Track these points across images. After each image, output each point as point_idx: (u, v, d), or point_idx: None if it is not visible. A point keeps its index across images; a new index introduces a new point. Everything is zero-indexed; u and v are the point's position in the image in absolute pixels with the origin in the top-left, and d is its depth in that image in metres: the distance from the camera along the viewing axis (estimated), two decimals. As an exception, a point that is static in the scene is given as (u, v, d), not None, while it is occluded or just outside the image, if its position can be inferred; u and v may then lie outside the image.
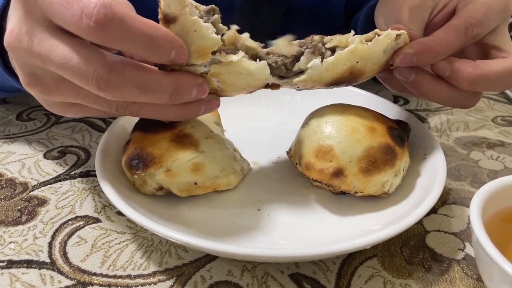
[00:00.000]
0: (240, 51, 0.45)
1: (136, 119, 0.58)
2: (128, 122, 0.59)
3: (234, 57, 0.44)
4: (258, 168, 0.58)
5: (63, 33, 0.40)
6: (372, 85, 0.85)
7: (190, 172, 0.50)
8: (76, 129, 0.69)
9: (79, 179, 0.58)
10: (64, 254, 0.46)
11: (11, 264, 0.45)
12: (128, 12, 0.38)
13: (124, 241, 0.48)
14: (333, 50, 0.48)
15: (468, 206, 0.54)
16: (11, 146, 0.64)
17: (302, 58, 0.48)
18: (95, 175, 0.53)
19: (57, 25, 0.40)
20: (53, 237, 0.49)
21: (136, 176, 0.50)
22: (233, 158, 0.54)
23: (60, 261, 0.46)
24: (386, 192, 0.50)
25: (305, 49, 0.48)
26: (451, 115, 0.75)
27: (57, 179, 0.58)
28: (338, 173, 0.49)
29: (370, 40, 0.47)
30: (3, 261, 0.45)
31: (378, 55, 0.48)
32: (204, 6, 0.44)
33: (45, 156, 0.62)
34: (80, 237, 0.49)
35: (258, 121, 0.69)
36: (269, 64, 0.47)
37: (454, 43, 0.49)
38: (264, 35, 0.49)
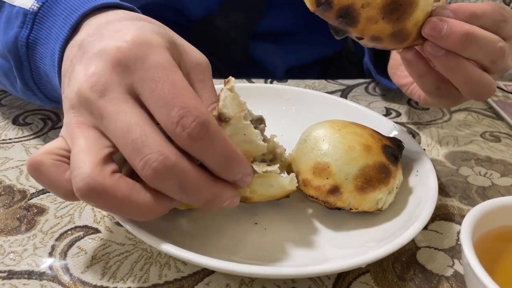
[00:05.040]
0: (276, 165, 0.47)
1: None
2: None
3: (269, 168, 0.47)
4: (255, 181, 0.59)
5: (140, 107, 0.40)
6: (365, 96, 0.87)
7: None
8: (73, 135, 0.69)
9: (78, 187, 0.58)
10: (65, 265, 0.47)
11: (12, 275, 0.46)
12: (218, 131, 0.39)
13: (123, 253, 0.49)
14: None
15: (457, 223, 0.56)
16: (8, 152, 0.65)
17: None
18: (93, 184, 0.54)
19: (138, 98, 0.40)
20: (53, 247, 0.49)
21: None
22: (231, 171, 0.55)
23: (60, 272, 0.46)
24: (379, 208, 0.52)
25: None
26: (441, 129, 0.77)
27: (56, 187, 0.58)
28: (334, 190, 0.50)
29: None
30: (3, 272, 0.46)
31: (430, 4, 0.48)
32: (255, 114, 0.47)
33: (42, 163, 0.63)
34: (80, 248, 0.49)
35: (254, 131, 0.70)
36: None
37: (488, 14, 0.49)
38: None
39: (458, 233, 0.55)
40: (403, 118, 0.80)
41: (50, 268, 0.47)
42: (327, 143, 0.52)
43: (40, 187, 0.58)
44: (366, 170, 0.51)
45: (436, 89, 0.54)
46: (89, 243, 0.50)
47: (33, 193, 0.57)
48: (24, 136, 0.68)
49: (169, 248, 0.43)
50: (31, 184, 0.58)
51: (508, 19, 0.50)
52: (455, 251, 0.52)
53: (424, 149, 0.70)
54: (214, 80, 0.86)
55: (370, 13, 0.46)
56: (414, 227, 0.46)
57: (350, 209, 0.51)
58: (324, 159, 0.51)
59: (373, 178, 0.51)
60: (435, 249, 0.52)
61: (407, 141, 0.61)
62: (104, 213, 0.54)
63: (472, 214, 0.44)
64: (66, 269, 0.47)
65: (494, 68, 0.51)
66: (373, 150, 0.52)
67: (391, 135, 0.62)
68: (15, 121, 0.72)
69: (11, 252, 0.48)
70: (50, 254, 0.48)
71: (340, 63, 1.04)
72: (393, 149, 0.54)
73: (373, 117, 0.68)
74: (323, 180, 0.51)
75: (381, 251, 0.43)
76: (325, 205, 0.52)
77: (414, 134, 0.75)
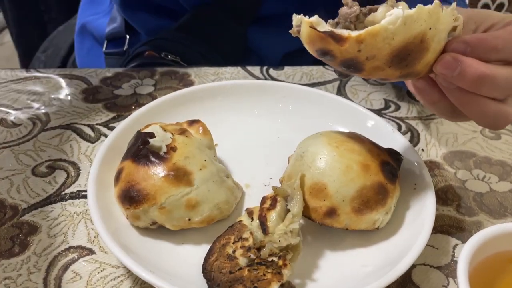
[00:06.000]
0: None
1: (127, 140, 0.57)
2: (118, 146, 0.58)
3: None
4: (251, 193, 0.58)
5: None
6: (364, 86, 0.84)
7: (184, 208, 0.50)
8: (63, 138, 0.67)
9: (70, 201, 0.58)
10: (60, 293, 0.47)
11: (7, 304, 0.46)
12: None
13: (118, 277, 0.49)
14: None
15: (453, 236, 0.56)
16: (-3, 159, 0.63)
17: (380, 7, 0.43)
18: (85, 196, 0.53)
19: None
20: (47, 272, 0.49)
21: (129, 211, 0.50)
22: (227, 188, 0.54)
23: (56, 301, 0.46)
24: (376, 228, 0.51)
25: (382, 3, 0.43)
26: (441, 124, 0.76)
27: (48, 201, 0.57)
28: (331, 212, 0.50)
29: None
30: (-1, 301, 0.46)
31: (443, 33, 0.44)
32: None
33: (33, 172, 0.61)
34: (74, 272, 0.49)
35: (250, 133, 0.68)
36: (337, 24, 0.43)
37: (510, 45, 0.45)
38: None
39: (454, 247, 0.55)
40: (402, 112, 0.78)
41: (46, 296, 0.47)
42: (324, 162, 0.51)
43: (32, 201, 0.57)
44: (364, 192, 0.50)
45: (451, 113, 0.51)
46: (84, 267, 0.50)
47: (25, 208, 0.56)
48: (13, 140, 0.67)
49: (161, 283, 0.42)
50: (23, 198, 0.57)
51: None
52: (450, 269, 0.52)
53: (423, 150, 0.70)
54: (208, 68, 0.84)
55: (375, 64, 0.43)
56: (409, 257, 0.46)
57: (347, 228, 0.51)
58: (321, 180, 0.50)
59: (370, 199, 0.50)
60: (431, 266, 0.52)
61: (406, 150, 0.60)
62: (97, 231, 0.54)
63: (469, 246, 0.44)
64: (62, 297, 0.47)
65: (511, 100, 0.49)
66: (371, 170, 0.51)
67: (390, 143, 0.60)
68: (2, 122, 0.70)
69: (6, 278, 0.48)
70: (45, 280, 0.48)
71: None
72: (392, 167, 0.53)
73: (371, 119, 0.66)
74: (319, 201, 0.50)
75: (376, 285, 0.43)
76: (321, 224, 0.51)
77: (413, 132, 0.73)
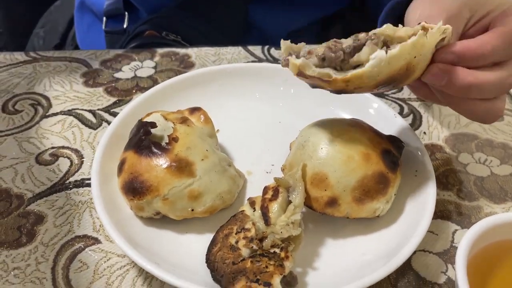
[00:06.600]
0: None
1: (128, 128, 0.57)
2: (120, 134, 0.58)
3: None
4: (253, 180, 0.59)
5: None
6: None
7: (187, 199, 0.50)
8: (65, 125, 0.67)
9: (75, 189, 0.58)
10: (68, 282, 0.48)
11: (17, 294, 0.47)
12: None
13: (124, 266, 0.50)
14: (386, 45, 0.45)
15: (453, 221, 0.57)
16: (1, 147, 0.63)
17: (364, 48, 0.44)
18: (89, 185, 0.54)
19: None
20: (55, 262, 0.50)
21: (133, 202, 0.51)
22: (229, 177, 0.54)
23: (64, 290, 0.48)
24: (377, 216, 0.52)
25: (366, 41, 0.45)
26: (443, 106, 0.75)
27: (52, 189, 0.58)
28: (332, 202, 0.50)
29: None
30: (9, 291, 0.48)
31: (430, 51, 0.46)
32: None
33: (37, 160, 0.62)
34: (81, 262, 0.50)
35: (251, 117, 0.68)
36: (323, 59, 0.45)
37: (498, 49, 0.46)
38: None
39: (454, 233, 0.55)
40: (405, 94, 0.77)
41: (54, 285, 0.48)
42: (325, 152, 0.51)
43: (37, 190, 0.58)
44: (365, 182, 0.50)
45: (445, 104, 0.51)
46: (90, 256, 0.51)
47: (30, 197, 0.57)
48: (16, 127, 0.67)
49: (166, 276, 0.44)
50: (28, 187, 0.58)
51: None
52: (449, 255, 0.53)
53: (425, 132, 0.70)
54: (208, 48, 0.83)
55: (363, 90, 0.47)
56: (409, 246, 0.47)
57: (347, 217, 0.51)
58: (322, 170, 0.51)
59: (371, 189, 0.50)
60: (430, 252, 0.53)
61: (408, 136, 0.60)
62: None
63: (470, 234, 0.44)
64: (70, 287, 0.48)
65: (502, 96, 0.49)
66: (372, 159, 0.51)
67: (392, 128, 0.60)
68: (4, 109, 0.70)
69: (15, 268, 0.49)
70: (53, 270, 0.49)
71: (350, 19, 0.99)
72: (393, 155, 0.53)
73: (374, 103, 0.66)
74: (321, 191, 0.50)
75: (377, 274, 0.44)
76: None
77: (415, 114, 0.73)
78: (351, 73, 0.44)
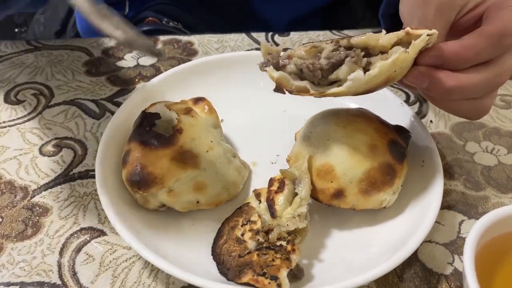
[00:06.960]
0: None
1: (132, 118, 0.57)
2: (123, 125, 0.58)
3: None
4: (258, 171, 0.58)
5: None
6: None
7: (192, 191, 0.50)
8: (68, 115, 0.67)
9: (79, 181, 0.58)
10: (74, 275, 0.48)
11: (24, 287, 0.47)
12: None
13: (130, 258, 0.50)
14: (367, 54, 0.45)
15: (459, 212, 0.56)
16: (4, 138, 0.63)
17: (343, 66, 0.44)
18: (93, 176, 0.53)
19: None
20: (61, 254, 0.50)
21: (138, 195, 0.50)
22: (234, 168, 0.54)
23: (71, 283, 0.48)
24: (383, 207, 0.52)
25: (345, 57, 0.44)
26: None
27: (57, 181, 0.58)
28: (338, 194, 0.50)
29: (401, 39, 0.44)
30: (16, 284, 0.48)
31: (412, 60, 0.45)
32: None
33: (40, 151, 0.61)
34: (87, 254, 0.50)
35: (256, 107, 0.67)
36: (301, 70, 0.45)
37: (484, 52, 0.45)
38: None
39: (460, 224, 0.55)
40: (411, 81, 0.76)
41: (60, 278, 0.48)
42: (332, 143, 0.51)
43: (41, 181, 0.58)
44: (371, 173, 0.50)
45: (430, 101, 0.51)
46: (96, 248, 0.51)
47: (35, 189, 0.57)
48: (19, 118, 0.66)
49: (173, 269, 0.44)
50: (32, 179, 0.58)
51: (509, 45, 0.45)
52: (456, 246, 0.52)
53: (431, 121, 0.69)
54: (211, 35, 0.82)
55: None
56: (416, 238, 0.46)
57: (354, 209, 0.51)
58: (328, 161, 0.50)
59: (378, 180, 0.50)
60: (436, 243, 0.53)
61: (415, 125, 0.59)
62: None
63: (478, 226, 0.44)
64: (76, 279, 0.48)
65: (492, 93, 0.48)
66: (379, 150, 0.50)
67: (399, 117, 0.60)
68: (6, 99, 0.69)
69: (21, 261, 0.50)
70: (59, 263, 0.49)
71: (350, 7, 0.97)
72: (400, 146, 0.52)
73: (380, 91, 0.64)
74: (327, 183, 0.50)
75: (383, 267, 0.44)
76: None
77: (422, 102, 0.72)
78: (329, 91, 0.44)
